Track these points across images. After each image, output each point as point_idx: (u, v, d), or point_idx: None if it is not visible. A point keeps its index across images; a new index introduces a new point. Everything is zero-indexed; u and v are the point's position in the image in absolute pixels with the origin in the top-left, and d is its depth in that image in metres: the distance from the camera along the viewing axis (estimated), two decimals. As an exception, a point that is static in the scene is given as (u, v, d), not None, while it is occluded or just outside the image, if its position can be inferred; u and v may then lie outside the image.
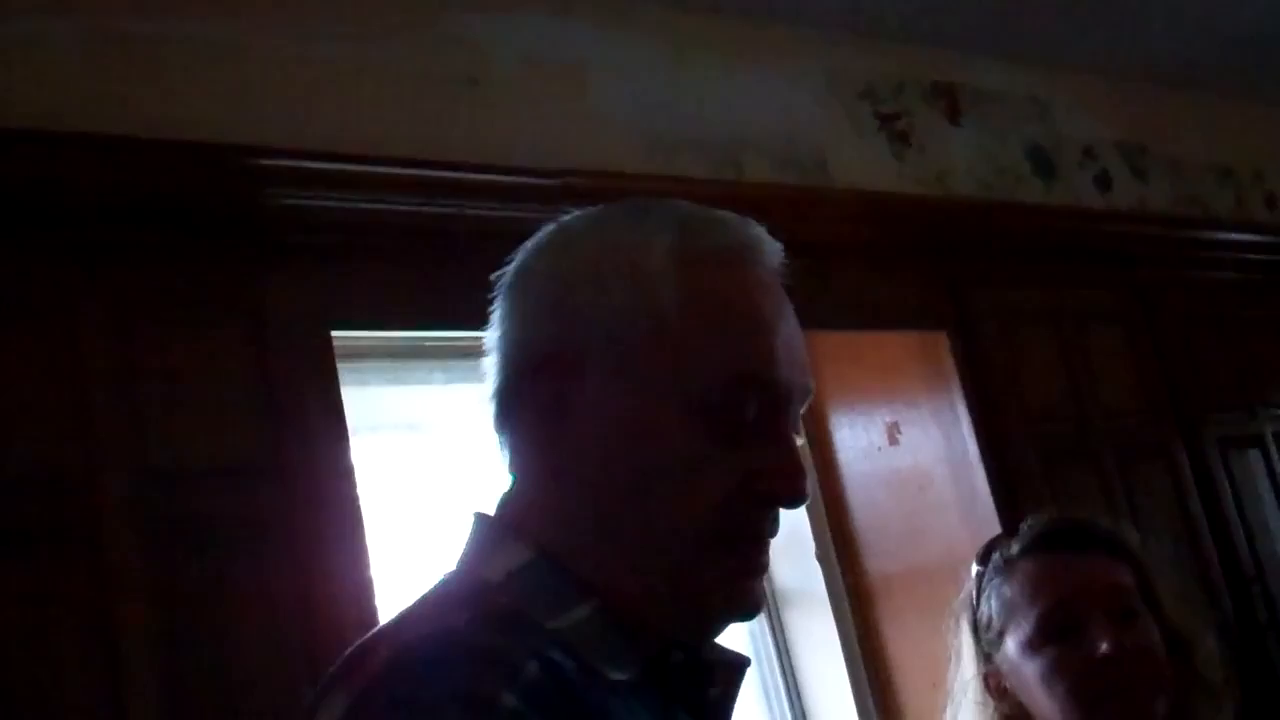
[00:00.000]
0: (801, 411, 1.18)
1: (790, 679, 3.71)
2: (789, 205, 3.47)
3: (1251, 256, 4.61)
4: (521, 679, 0.97)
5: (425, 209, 2.74)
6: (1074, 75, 4.53)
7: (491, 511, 1.21)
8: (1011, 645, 1.97)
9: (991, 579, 2.04)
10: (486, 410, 1.23)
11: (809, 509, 3.76)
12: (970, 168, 4.09)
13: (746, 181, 3.50)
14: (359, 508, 2.52)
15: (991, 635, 2.01)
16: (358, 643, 1.08)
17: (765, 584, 1.15)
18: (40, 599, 2.19)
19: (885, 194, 3.77)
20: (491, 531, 1.18)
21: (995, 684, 2.01)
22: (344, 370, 2.60)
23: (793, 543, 3.77)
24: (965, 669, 2.07)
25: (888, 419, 3.74)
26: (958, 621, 2.10)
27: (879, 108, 3.95)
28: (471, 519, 1.21)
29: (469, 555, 1.18)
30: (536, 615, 1.08)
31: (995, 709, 2.02)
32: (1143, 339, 4.11)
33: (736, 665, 1.22)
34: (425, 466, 3.40)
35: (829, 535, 3.78)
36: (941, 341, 3.65)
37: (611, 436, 1.12)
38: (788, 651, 3.74)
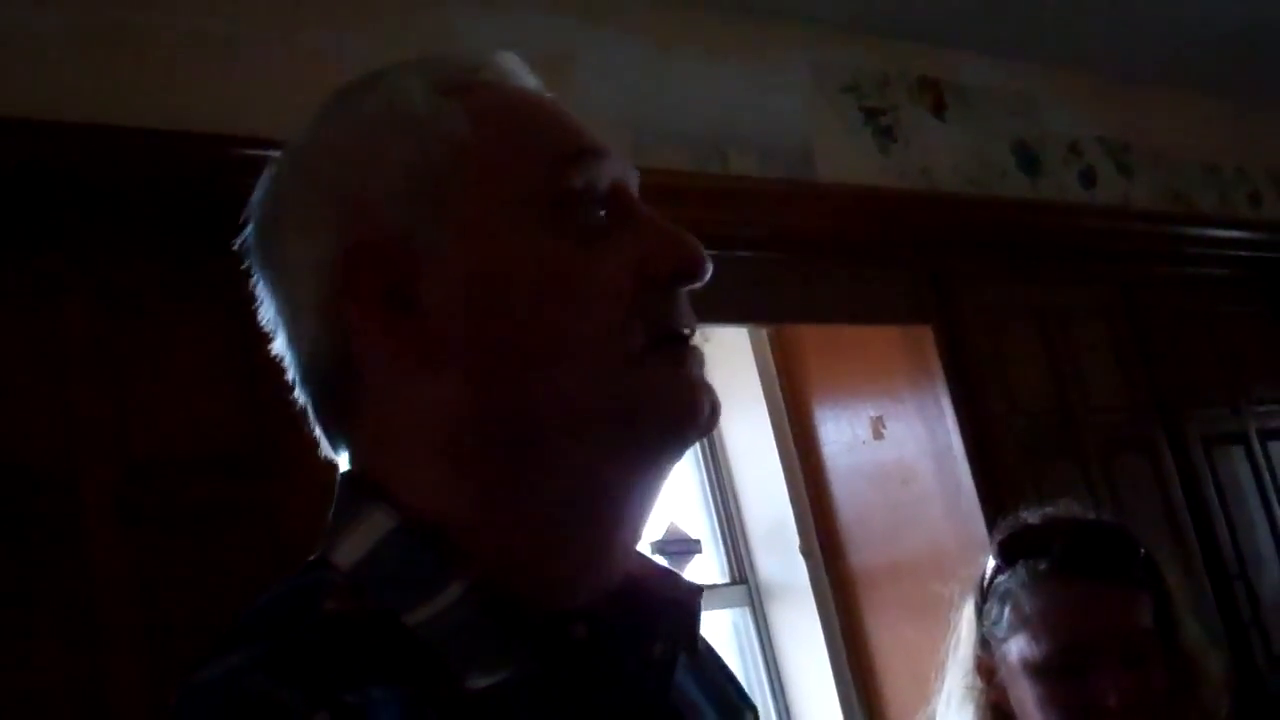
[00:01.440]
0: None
1: (774, 672, 3.71)
2: (774, 199, 3.47)
3: (1235, 253, 4.63)
4: None
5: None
6: (1059, 71, 4.53)
7: (344, 473, 1.01)
8: (1014, 652, 1.95)
9: (1008, 584, 2.00)
10: (301, 394, 1.06)
11: (793, 503, 3.77)
12: (955, 163, 4.09)
13: (732, 175, 3.50)
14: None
15: (994, 629, 2.00)
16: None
17: (713, 402, 0.95)
18: (22, 589, 2.18)
19: (870, 188, 3.77)
20: (348, 498, 0.98)
21: (985, 668, 2.01)
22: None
23: (776, 536, 3.78)
24: (962, 647, 2.06)
25: (872, 413, 3.74)
26: (964, 597, 2.08)
27: (864, 102, 3.95)
28: (338, 482, 1.01)
29: (328, 529, 0.98)
30: (394, 608, 0.89)
31: (982, 692, 2.02)
32: (1127, 334, 4.12)
33: (683, 604, 1.00)
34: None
35: (813, 529, 3.79)
36: (926, 336, 3.65)
37: (477, 295, 0.92)
38: (771, 645, 3.74)
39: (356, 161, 0.98)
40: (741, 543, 3.81)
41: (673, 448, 0.95)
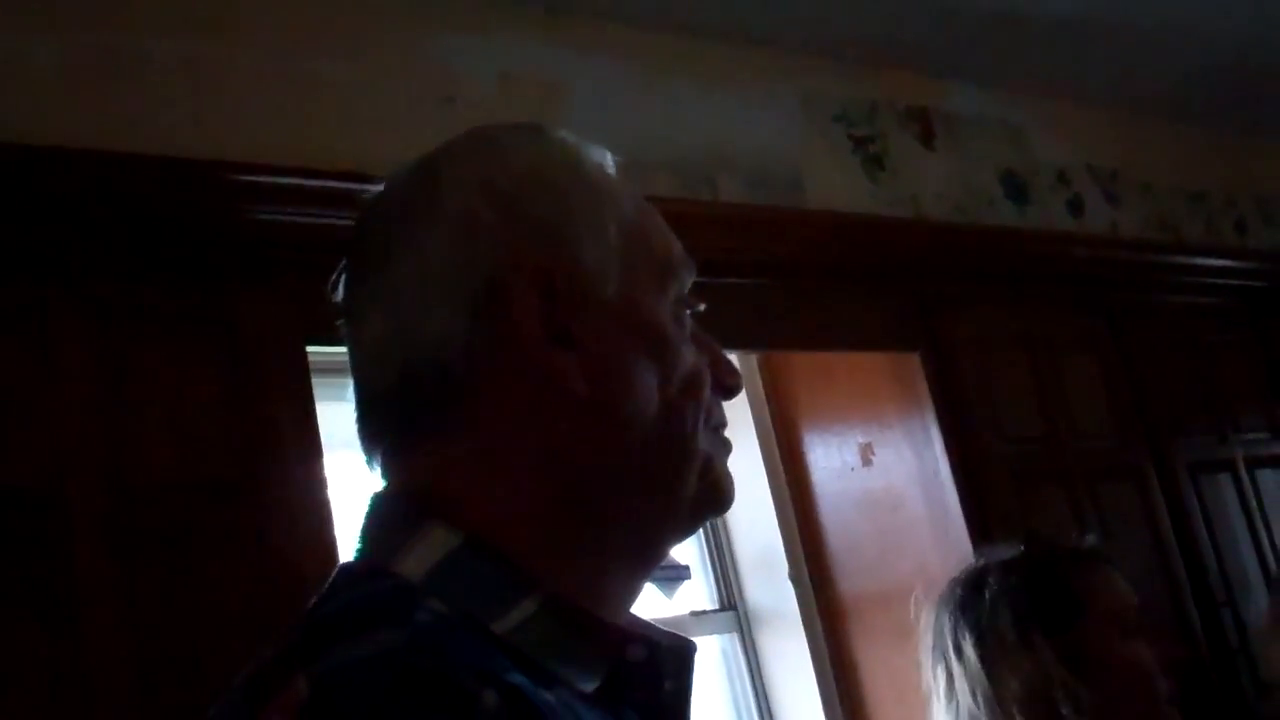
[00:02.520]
0: None
1: (762, 699, 3.71)
2: (763, 226, 3.49)
3: (1222, 281, 4.64)
4: (478, 713, 0.80)
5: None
6: (1047, 100, 4.56)
7: (393, 490, 1.03)
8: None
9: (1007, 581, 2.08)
10: (370, 391, 1.07)
11: (782, 529, 3.77)
12: (943, 191, 4.11)
13: (721, 202, 3.51)
14: (333, 524, 2.51)
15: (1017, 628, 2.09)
16: (264, 657, 0.92)
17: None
18: (9, 611, 2.18)
19: (859, 216, 3.79)
20: (401, 514, 0.99)
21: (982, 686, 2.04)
22: (318, 385, 2.60)
23: (765, 563, 3.78)
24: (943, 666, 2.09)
25: (861, 439, 3.75)
26: (940, 618, 2.12)
27: (853, 130, 3.97)
28: (369, 502, 1.03)
29: (375, 545, 0.99)
30: (480, 616, 0.92)
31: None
32: (1114, 362, 4.13)
33: (685, 652, 1.05)
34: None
35: (802, 555, 3.79)
36: (914, 363, 3.66)
37: (626, 350, 1.02)
38: (760, 671, 3.74)
39: (539, 190, 1.04)
40: (730, 569, 3.81)
41: (703, 521, 1.12)
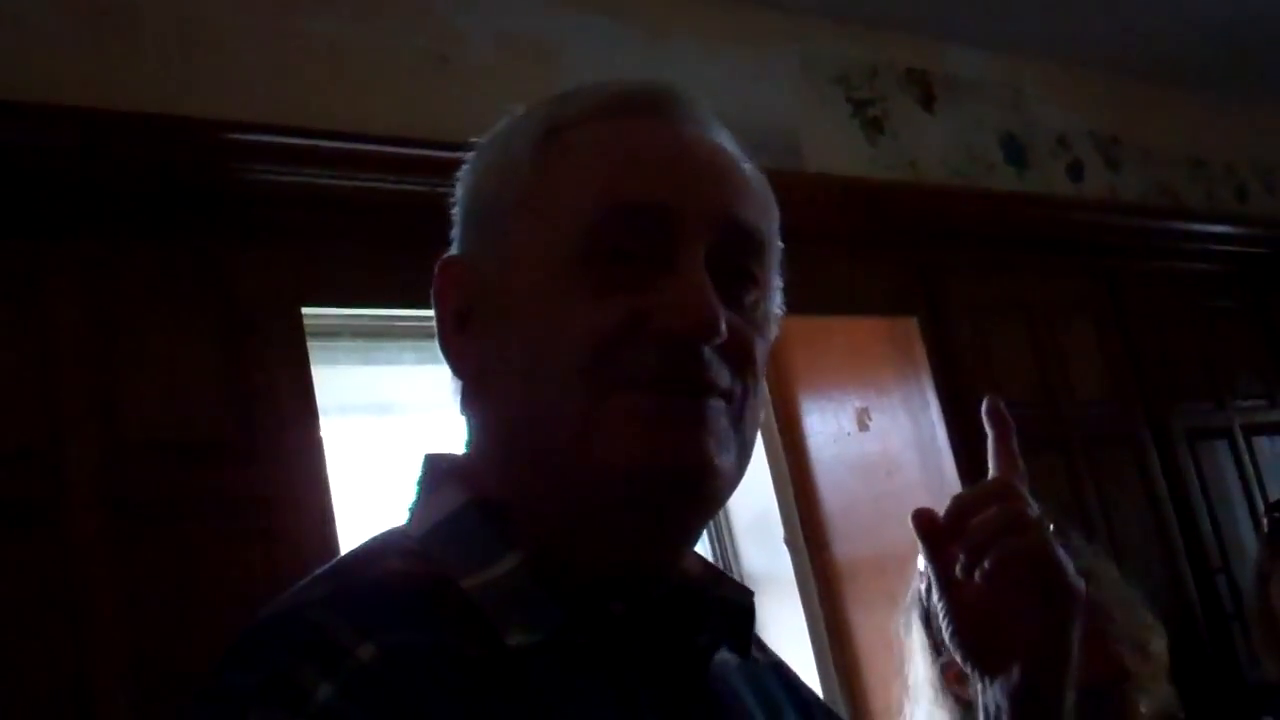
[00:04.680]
0: (746, 253, 1.06)
1: (757, 663, 3.71)
2: (762, 189, 3.46)
3: (1222, 248, 4.63)
4: (346, 666, 0.88)
5: (397, 187, 2.72)
6: (1048, 64, 4.53)
7: (433, 452, 1.13)
8: None
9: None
10: None
11: (778, 494, 3.76)
12: (943, 155, 4.09)
13: (719, 165, 3.49)
14: (328, 487, 2.51)
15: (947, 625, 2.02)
16: None
17: (707, 449, 0.99)
18: (4, 573, 2.17)
19: (858, 179, 3.77)
20: (430, 476, 1.10)
21: (954, 674, 2.01)
22: (314, 348, 2.59)
23: (761, 527, 3.78)
24: (919, 667, 2.07)
25: (857, 404, 3.74)
26: (909, 620, 2.11)
27: (853, 93, 3.95)
28: (420, 462, 1.13)
29: (412, 503, 1.10)
30: (455, 572, 0.99)
31: (956, 698, 2.02)
32: (1112, 328, 4.12)
33: (734, 604, 1.09)
34: (394, 450, 3.39)
35: (797, 520, 3.79)
36: (912, 327, 3.65)
37: (501, 328, 1.04)
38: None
39: (463, 184, 1.12)
40: (726, 533, 3.81)
41: (626, 492, 0.99)
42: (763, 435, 3.80)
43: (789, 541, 3.75)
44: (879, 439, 3.71)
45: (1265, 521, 3.59)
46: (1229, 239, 4.67)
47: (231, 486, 2.43)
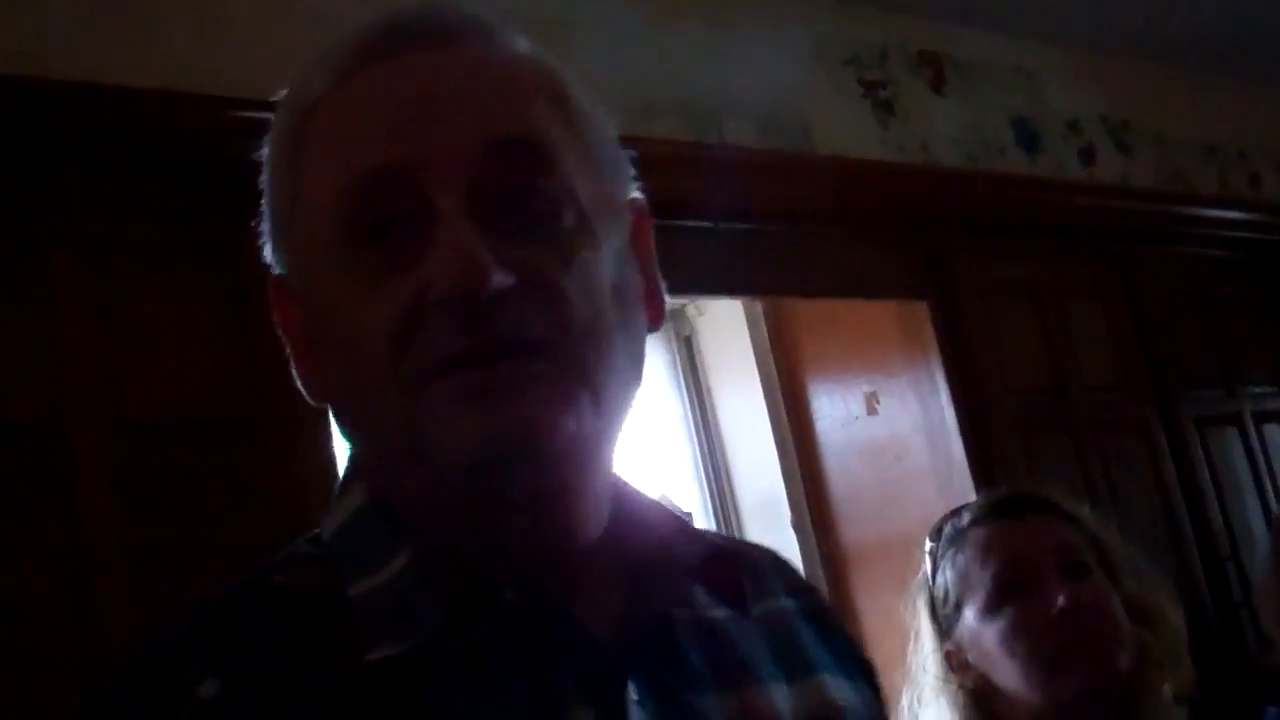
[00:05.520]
0: (519, 168, 0.91)
1: (763, 646, 3.71)
2: (771, 171, 3.46)
3: (1234, 234, 4.61)
4: (187, 705, 0.83)
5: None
6: (1060, 48, 4.52)
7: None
8: (970, 615, 1.98)
9: (944, 553, 2.04)
10: None
11: (785, 477, 3.76)
12: (954, 138, 4.07)
13: (729, 146, 3.48)
14: (335, 463, 2.50)
15: (949, 609, 2.01)
16: None
17: (530, 414, 0.87)
18: (13, 550, 2.18)
19: (868, 162, 3.76)
20: (345, 475, 1.01)
21: (957, 660, 2.01)
22: (321, 326, 2.58)
23: (768, 511, 3.77)
24: (925, 648, 2.07)
25: (866, 388, 3.73)
26: (914, 602, 2.10)
27: (864, 75, 3.93)
28: (346, 458, 1.04)
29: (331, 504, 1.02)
30: (347, 578, 0.92)
31: (959, 685, 2.01)
32: (1123, 314, 4.11)
33: (691, 560, 1.00)
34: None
35: (804, 503, 3.78)
36: (921, 311, 3.64)
37: (319, 345, 0.96)
38: (761, 619, 3.73)
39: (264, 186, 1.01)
40: (733, 516, 3.81)
41: (469, 482, 0.89)
42: (770, 418, 3.81)
43: (796, 525, 3.75)
44: (887, 423, 3.71)
45: None
46: (1241, 225, 4.65)
47: (238, 463, 2.43)
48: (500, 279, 0.85)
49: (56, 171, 2.39)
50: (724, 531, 3.78)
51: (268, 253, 1.01)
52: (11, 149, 2.34)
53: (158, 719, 0.83)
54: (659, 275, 1.03)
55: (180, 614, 0.93)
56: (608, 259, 0.94)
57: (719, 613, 1.01)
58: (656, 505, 1.03)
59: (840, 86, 3.87)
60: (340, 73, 0.94)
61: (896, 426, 3.68)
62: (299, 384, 1.00)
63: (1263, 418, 4.42)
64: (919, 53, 4.11)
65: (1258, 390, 4.45)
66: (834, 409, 3.79)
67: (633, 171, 1.03)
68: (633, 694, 0.90)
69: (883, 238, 3.63)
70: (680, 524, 1.02)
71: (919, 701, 2.06)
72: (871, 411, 3.73)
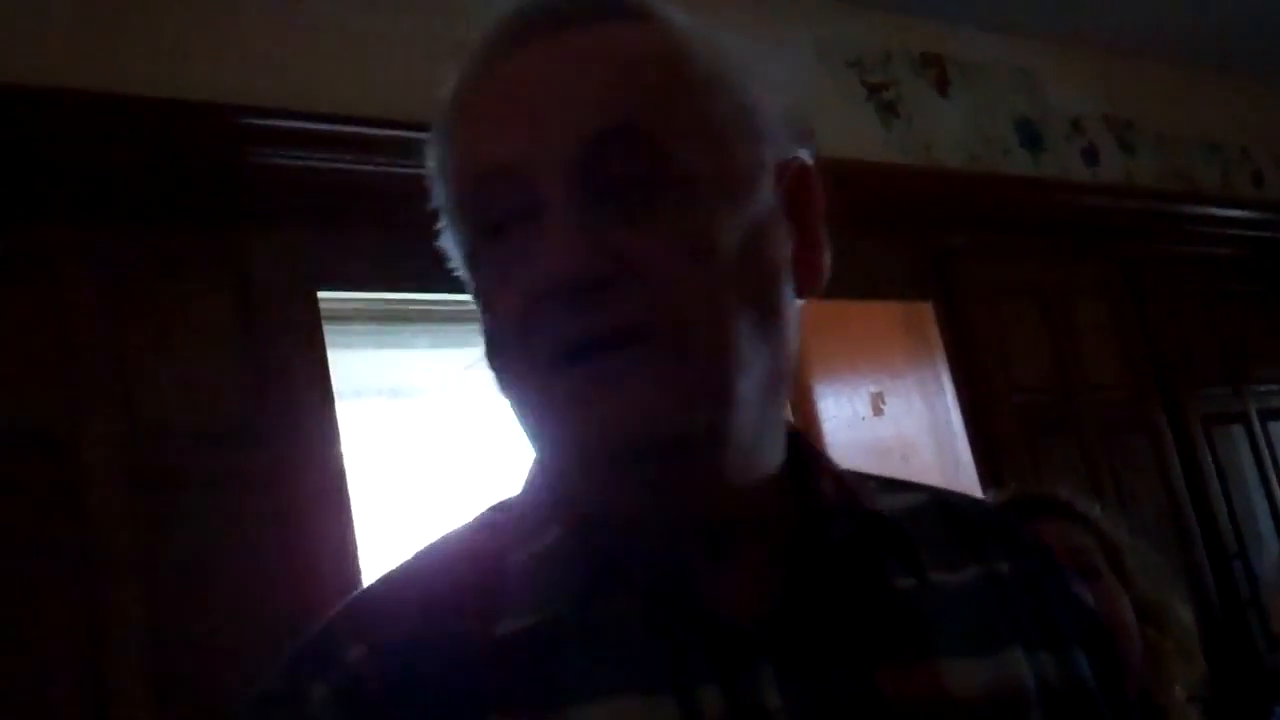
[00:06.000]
0: (624, 155, 0.90)
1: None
2: (776, 174, 3.46)
3: (1237, 232, 4.62)
4: (338, 667, 0.89)
5: (412, 172, 2.72)
6: (1063, 48, 4.52)
7: None
8: None
9: None
10: None
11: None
12: (958, 139, 4.08)
13: (734, 149, 3.48)
14: (343, 469, 2.51)
15: None
16: None
17: (629, 414, 0.86)
18: (24, 555, 2.19)
19: (873, 164, 3.76)
20: None
21: None
22: (329, 332, 2.60)
23: (776, 512, 3.77)
24: None
25: (872, 389, 3.74)
26: None
27: (867, 77, 3.94)
28: None
29: None
30: (514, 543, 0.95)
31: None
32: (1128, 313, 4.12)
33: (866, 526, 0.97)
34: (409, 433, 3.40)
35: (812, 505, 3.78)
36: (926, 312, 3.65)
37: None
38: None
39: None
40: (740, 518, 3.81)
41: (595, 466, 0.90)
42: (777, 420, 3.81)
43: (803, 526, 3.75)
44: (893, 423, 3.71)
45: None
46: (1244, 223, 4.66)
47: (248, 468, 2.44)
48: (599, 266, 0.86)
49: (68, 180, 2.40)
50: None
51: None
52: (23, 158, 2.36)
53: (312, 679, 0.89)
54: (824, 236, 1.04)
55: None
56: (732, 230, 0.92)
57: (904, 581, 0.97)
58: (844, 473, 1.02)
59: (844, 88, 3.88)
60: (463, 72, 0.98)
61: (902, 427, 3.69)
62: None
63: (1269, 415, 4.42)
64: (922, 54, 4.12)
65: (1263, 388, 4.45)
66: (840, 410, 3.80)
67: (793, 130, 1.02)
68: (770, 674, 0.89)
69: (887, 239, 3.63)
70: (864, 491, 1.01)
71: None
72: (877, 412, 3.74)
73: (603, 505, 0.93)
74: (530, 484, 1.00)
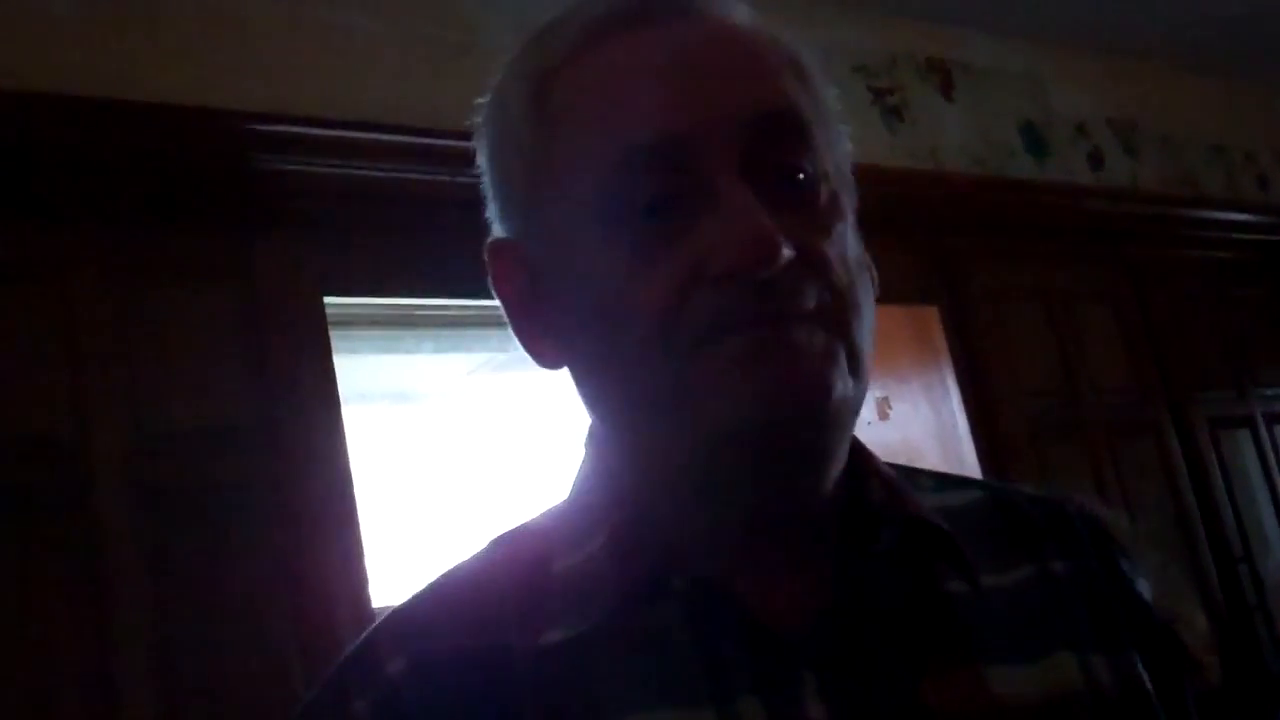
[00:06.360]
0: (786, 142, 0.91)
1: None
2: (782, 178, 3.47)
3: (1242, 236, 4.62)
4: (379, 681, 0.89)
5: (417, 176, 2.73)
6: (1067, 52, 4.52)
7: None
8: None
9: None
10: None
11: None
12: (963, 143, 4.08)
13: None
14: (349, 474, 2.52)
15: None
16: None
17: (821, 374, 0.87)
18: (32, 560, 2.19)
19: (878, 168, 3.76)
20: (586, 439, 1.01)
21: None
22: (336, 337, 2.60)
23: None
24: None
25: (878, 394, 3.74)
26: None
27: (873, 82, 3.95)
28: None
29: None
30: (557, 552, 0.93)
31: None
32: (1133, 317, 4.12)
33: (916, 530, 0.95)
34: (414, 437, 3.40)
35: (817, 509, 3.78)
36: (933, 316, 3.65)
37: (564, 311, 0.93)
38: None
39: (488, 158, 0.99)
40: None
41: (757, 445, 0.88)
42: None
43: (809, 530, 3.75)
44: (899, 428, 3.71)
45: None
46: (1249, 227, 4.66)
47: (253, 473, 2.44)
48: (787, 252, 0.85)
49: (75, 185, 2.40)
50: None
51: (491, 214, 0.99)
52: (31, 163, 2.36)
53: (354, 695, 0.89)
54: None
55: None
56: (851, 231, 0.95)
57: (956, 585, 0.96)
58: (892, 476, 1.01)
59: (849, 93, 3.88)
60: (590, 35, 0.93)
61: (909, 431, 3.69)
62: (521, 347, 0.98)
63: (1274, 419, 4.42)
64: (927, 59, 4.13)
65: (1269, 391, 4.45)
66: (846, 414, 3.80)
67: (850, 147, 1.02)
68: (812, 684, 0.88)
69: (893, 243, 3.63)
70: (910, 496, 0.99)
71: None
72: (884, 416, 3.74)
73: (685, 499, 0.91)
74: (579, 488, 0.98)
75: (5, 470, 2.23)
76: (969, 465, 3.54)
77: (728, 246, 0.85)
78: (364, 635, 0.94)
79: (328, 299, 2.61)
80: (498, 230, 0.99)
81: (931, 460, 3.63)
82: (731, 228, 0.85)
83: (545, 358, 0.97)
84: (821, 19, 3.87)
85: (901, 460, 3.37)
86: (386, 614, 0.95)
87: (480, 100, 1.01)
